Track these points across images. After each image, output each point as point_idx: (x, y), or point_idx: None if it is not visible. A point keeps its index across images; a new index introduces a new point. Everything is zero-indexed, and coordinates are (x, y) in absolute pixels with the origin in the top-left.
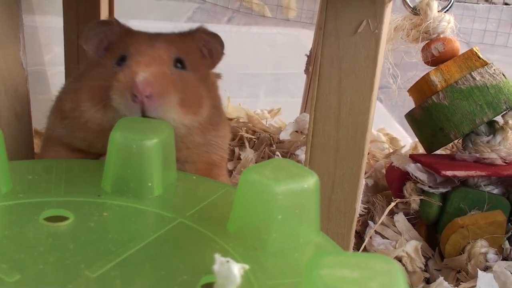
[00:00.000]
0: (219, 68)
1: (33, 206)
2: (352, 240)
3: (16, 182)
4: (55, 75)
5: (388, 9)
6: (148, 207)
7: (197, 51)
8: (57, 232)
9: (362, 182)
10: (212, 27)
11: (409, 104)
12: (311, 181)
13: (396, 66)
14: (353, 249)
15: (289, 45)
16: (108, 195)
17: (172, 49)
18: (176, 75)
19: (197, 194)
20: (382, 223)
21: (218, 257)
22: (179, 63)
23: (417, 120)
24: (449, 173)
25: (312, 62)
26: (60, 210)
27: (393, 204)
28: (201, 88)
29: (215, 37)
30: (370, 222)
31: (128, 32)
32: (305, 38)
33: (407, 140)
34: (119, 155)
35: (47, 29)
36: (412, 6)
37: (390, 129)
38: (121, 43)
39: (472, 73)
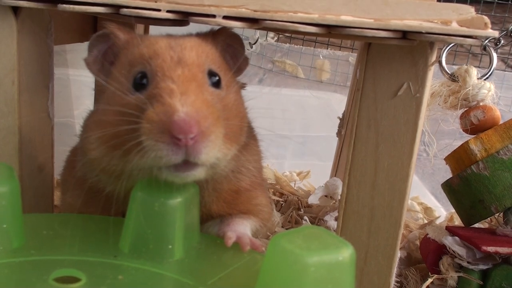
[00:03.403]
0: None
1: (44, 264)
2: None
3: (29, 237)
4: None
5: (431, 72)
6: (167, 271)
7: (222, 57)
8: None
9: (398, 254)
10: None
11: (440, 172)
12: (346, 253)
13: (431, 133)
14: None
15: (319, 108)
16: (125, 256)
17: (204, 60)
18: (215, 98)
19: (221, 259)
20: None
21: None
22: (213, 76)
23: (455, 190)
24: (490, 248)
25: (345, 125)
26: (72, 270)
27: (430, 280)
28: (240, 107)
29: (238, 39)
30: None
31: (140, 39)
32: (336, 101)
33: (441, 211)
34: (140, 214)
35: (80, 83)
36: (449, 73)
37: (422, 198)
38: (133, 55)
39: None
